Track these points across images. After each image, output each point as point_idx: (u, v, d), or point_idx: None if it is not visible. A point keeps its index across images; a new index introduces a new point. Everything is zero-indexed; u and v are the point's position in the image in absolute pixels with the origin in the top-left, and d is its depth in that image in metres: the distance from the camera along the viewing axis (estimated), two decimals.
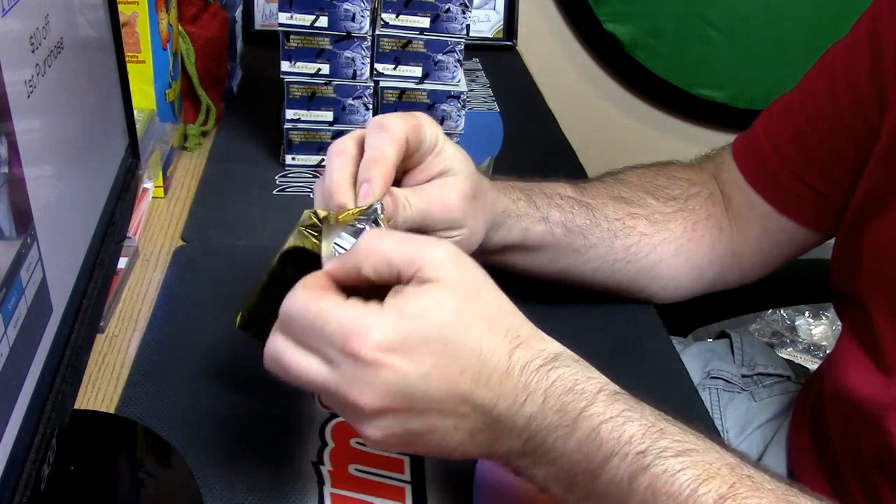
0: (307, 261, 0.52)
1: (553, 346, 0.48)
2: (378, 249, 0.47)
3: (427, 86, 0.92)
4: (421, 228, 0.57)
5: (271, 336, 0.48)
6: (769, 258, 0.78)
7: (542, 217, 0.69)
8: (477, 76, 1.28)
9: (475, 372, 0.46)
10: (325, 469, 0.59)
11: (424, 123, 0.57)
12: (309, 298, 0.47)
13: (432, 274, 0.46)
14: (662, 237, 0.75)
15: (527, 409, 0.46)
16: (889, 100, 0.66)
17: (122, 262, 0.76)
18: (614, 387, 0.48)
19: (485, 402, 0.46)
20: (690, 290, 0.78)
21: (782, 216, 0.74)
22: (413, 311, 0.45)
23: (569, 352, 0.49)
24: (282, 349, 0.47)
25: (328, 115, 0.93)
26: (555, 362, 0.47)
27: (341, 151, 0.56)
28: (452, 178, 0.59)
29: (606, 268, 0.74)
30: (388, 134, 0.55)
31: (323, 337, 0.45)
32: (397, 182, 0.58)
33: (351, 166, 0.55)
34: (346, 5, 0.87)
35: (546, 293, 0.77)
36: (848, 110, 0.69)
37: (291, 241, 0.52)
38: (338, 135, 0.93)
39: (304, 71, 0.90)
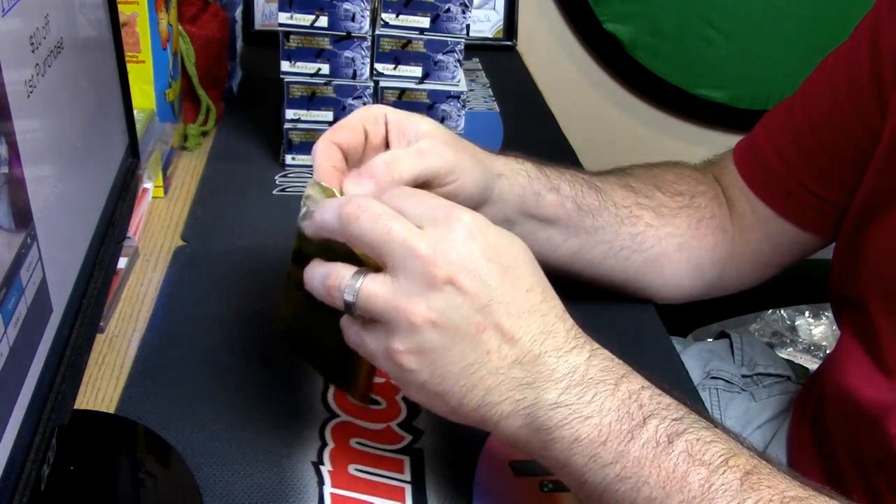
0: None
1: None
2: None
3: (427, 86, 0.92)
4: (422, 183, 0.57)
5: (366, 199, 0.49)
6: (769, 263, 0.78)
7: (553, 187, 0.69)
8: (477, 76, 1.28)
9: (538, 299, 0.49)
10: (325, 469, 0.59)
11: (381, 112, 0.58)
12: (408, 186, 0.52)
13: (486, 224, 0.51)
14: (667, 231, 0.74)
15: (572, 358, 0.48)
16: (889, 104, 0.66)
17: (122, 262, 0.76)
18: None
19: (538, 330, 0.48)
20: (690, 289, 0.78)
21: (783, 220, 0.74)
22: (500, 228, 0.50)
23: None
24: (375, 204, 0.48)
25: (328, 115, 0.93)
26: (593, 342, 0.50)
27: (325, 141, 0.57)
28: (428, 134, 0.58)
29: (613, 255, 0.73)
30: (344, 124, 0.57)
31: (426, 204, 0.49)
32: None
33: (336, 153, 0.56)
34: (346, 5, 0.87)
35: None
36: (849, 114, 0.69)
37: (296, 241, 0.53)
38: None
39: (304, 71, 0.90)
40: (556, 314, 0.49)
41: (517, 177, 0.66)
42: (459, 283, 0.46)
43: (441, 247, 0.46)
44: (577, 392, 0.47)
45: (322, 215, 0.50)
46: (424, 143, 0.57)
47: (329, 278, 0.49)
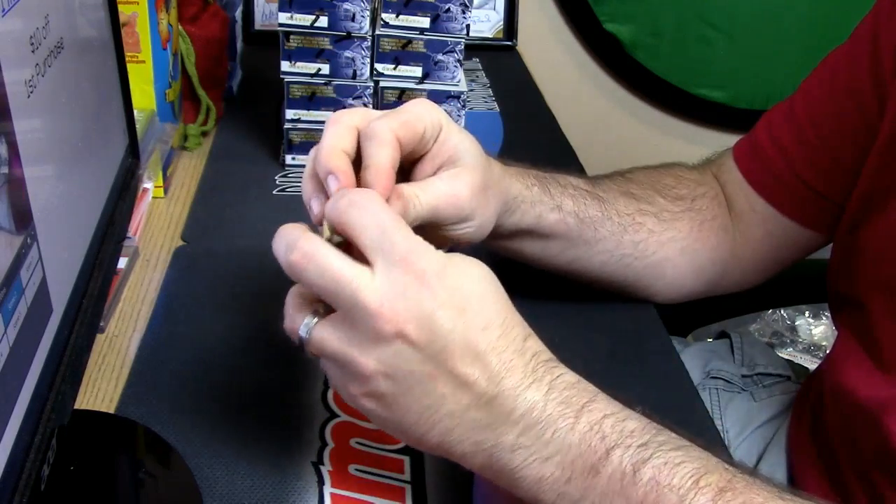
0: None
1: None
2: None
3: (427, 86, 0.92)
4: (430, 223, 0.57)
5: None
6: (770, 261, 0.78)
7: (556, 205, 0.68)
8: (477, 76, 1.28)
9: (495, 336, 0.47)
10: (325, 469, 0.59)
11: (421, 113, 0.55)
12: (382, 211, 0.47)
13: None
14: (670, 235, 0.74)
15: (530, 394, 0.46)
16: (888, 101, 0.66)
17: (122, 262, 0.76)
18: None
19: (493, 370, 0.46)
20: (692, 290, 0.78)
21: (784, 217, 0.75)
22: (458, 260, 0.48)
23: None
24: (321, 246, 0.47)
25: (328, 115, 0.92)
26: (558, 365, 0.49)
27: (337, 120, 0.54)
28: (462, 169, 0.58)
29: (614, 262, 0.73)
30: (377, 140, 0.53)
31: (382, 245, 0.46)
32: (407, 174, 0.58)
33: (348, 136, 0.54)
34: (346, 5, 0.87)
35: (547, 293, 0.77)
36: (850, 112, 0.69)
37: None
38: None
39: (304, 71, 0.90)
40: (514, 348, 0.47)
41: (521, 204, 0.66)
42: (409, 336, 0.45)
43: (390, 299, 0.45)
44: (535, 432, 0.46)
45: (275, 250, 0.48)
46: (445, 185, 0.57)
47: (286, 321, 0.49)
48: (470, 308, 0.46)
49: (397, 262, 0.45)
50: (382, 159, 0.52)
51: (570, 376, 0.48)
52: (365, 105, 0.92)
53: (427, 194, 0.55)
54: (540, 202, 0.67)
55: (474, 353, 0.46)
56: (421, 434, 0.48)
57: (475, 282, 0.47)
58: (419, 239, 0.47)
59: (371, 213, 0.47)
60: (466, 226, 0.59)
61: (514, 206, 0.65)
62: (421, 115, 0.55)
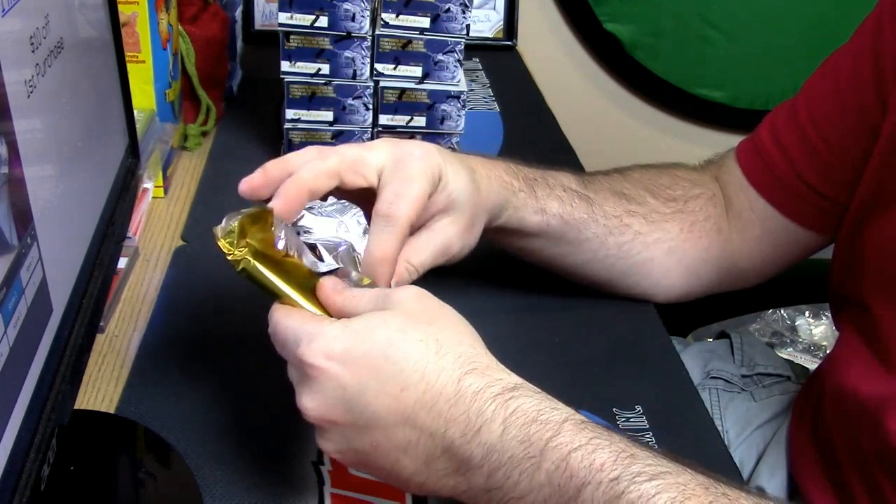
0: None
1: (513, 378, 0.47)
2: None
3: (427, 86, 0.92)
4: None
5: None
6: (770, 261, 0.78)
7: (540, 208, 0.69)
8: (477, 76, 1.28)
9: (418, 393, 0.46)
10: (325, 469, 0.59)
11: (428, 173, 0.57)
12: (283, 312, 0.50)
13: (392, 305, 0.49)
14: (656, 237, 0.75)
15: (483, 438, 0.45)
16: (889, 101, 0.66)
17: (122, 262, 0.76)
18: (580, 416, 0.46)
19: (432, 427, 0.45)
20: (686, 289, 0.78)
21: (784, 218, 0.74)
22: (359, 326, 0.47)
23: (529, 384, 0.48)
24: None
25: (328, 115, 0.92)
26: (514, 392, 0.46)
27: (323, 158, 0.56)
28: (454, 216, 0.60)
29: (597, 262, 0.74)
30: (391, 227, 0.55)
31: (286, 345, 0.49)
32: None
33: (326, 181, 0.56)
34: (346, 5, 0.87)
35: (547, 294, 0.77)
36: (852, 113, 0.69)
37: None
38: (338, 135, 0.93)
39: (304, 71, 0.90)
40: (446, 397, 0.45)
41: (505, 211, 0.67)
42: (338, 422, 0.47)
43: (307, 400, 0.48)
44: (502, 474, 0.45)
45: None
46: (438, 238, 0.60)
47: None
48: (381, 375, 0.46)
49: (298, 364, 0.48)
50: (390, 250, 0.55)
51: (529, 405, 0.45)
52: (365, 105, 0.92)
53: (419, 257, 0.58)
54: (524, 206, 0.68)
55: (403, 418, 0.46)
56: (401, 483, 0.49)
57: (383, 346, 0.46)
58: (311, 331, 0.48)
59: (279, 328, 0.50)
60: (455, 258, 0.62)
61: (497, 213, 0.66)
62: (427, 174, 0.57)
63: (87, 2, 0.57)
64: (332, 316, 0.51)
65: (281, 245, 0.51)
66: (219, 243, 0.50)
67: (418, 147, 0.58)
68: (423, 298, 0.50)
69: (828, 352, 1.18)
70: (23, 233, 0.42)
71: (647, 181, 0.77)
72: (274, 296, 0.51)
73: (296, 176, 0.55)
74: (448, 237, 0.60)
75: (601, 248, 0.73)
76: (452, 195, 0.60)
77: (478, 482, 0.46)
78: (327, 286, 0.52)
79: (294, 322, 0.49)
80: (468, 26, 0.89)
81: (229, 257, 0.50)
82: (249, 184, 0.56)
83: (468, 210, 0.61)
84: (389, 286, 0.55)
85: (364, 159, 0.57)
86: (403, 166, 0.57)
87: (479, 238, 0.64)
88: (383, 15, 0.88)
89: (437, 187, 0.58)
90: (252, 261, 0.50)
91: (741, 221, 0.77)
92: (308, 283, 0.52)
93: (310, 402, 0.48)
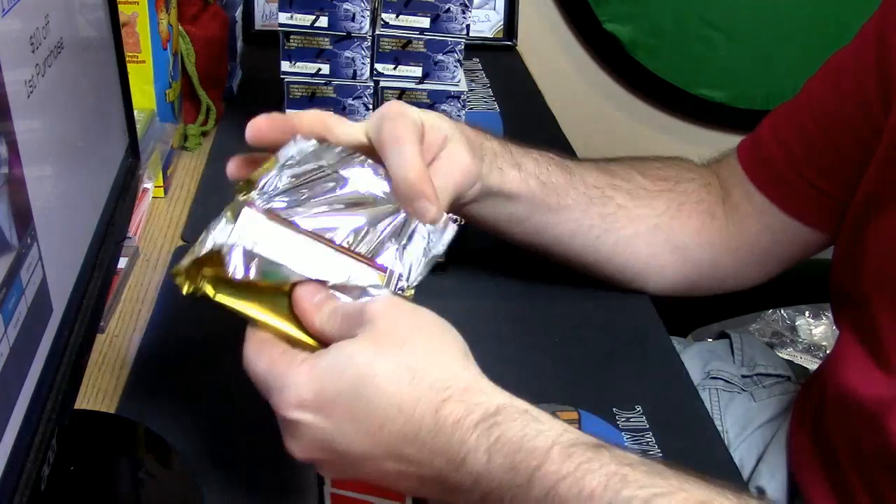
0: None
1: (494, 398, 0.46)
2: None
3: (427, 86, 0.92)
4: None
5: None
6: (769, 259, 0.78)
7: (516, 163, 0.69)
8: (477, 76, 1.28)
9: (398, 427, 0.45)
10: None
11: (413, 120, 0.58)
12: (253, 355, 0.49)
13: (362, 326, 0.47)
14: (641, 212, 0.74)
15: (469, 467, 0.44)
16: (892, 100, 0.66)
17: (122, 262, 0.76)
18: (570, 436, 0.44)
19: (418, 458, 0.45)
20: (680, 275, 0.78)
21: (784, 214, 0.74)
22: (326, 366, 0.46)
23: (516, 403, 0.46)
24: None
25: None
26: (495, 417, 0.45)
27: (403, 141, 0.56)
28: (451, 143, 0.61)
29: (582, 233, 0.73)
30: (404, 140, 0.55)
31: (259, 390, 0.49)
32: None
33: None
34: (346, 5, 0.87)
35: (547, 293, 0.77)
36: (855, 111, 0.69)
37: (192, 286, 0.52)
38: None
39: (304, 71, 0.90)
40: (427, 429, 0.45)
41: (485, 156, 0.67)
42: (325, 461, 0.48)
43: (291, 445, 0.48)
44: (494, 497, 0.44)
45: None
46: (456, 163, 0.61)
47: None
48: (357, 415, 0.45)
49: (274, 412, 0.48)
50: (417, 161, 0.54)
51: (512, 431, 0.44)
52: (365, 105, 0.92)
53: (444, 180, 0.59)
54: (501, 156, 0.68)
55: (388, 453, 0.46)
56: (403, 492, 0.50)
57: (354, 385, 0.45)
58: (280, 378, 0.47)
59: (250, 372, 0.49)
60: (474, 181, 0.64)
61: (479, 157, 0.66)
62: (410, 120, 0.57)
63: (87, 2, 0.57)
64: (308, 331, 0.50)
65: (232, 271, 0.49)
66: (176, 282, 0.50)
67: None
68: (395, 311, 0.48)
69: (828, 352, 1.18)
70: (23, 233, 0.42)
71: (637, 164, 0.77)
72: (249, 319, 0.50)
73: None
74: (460, 156, 0.61)
75: (584, 216, 0.72)
76: (443, 131, 0.61)
77: (474, 500, 0.46)
78: (304, 301, 0.49)
79: (262, 366, 0.48)
80: (468, 26, 0.89)
81: (184, 291, 0.50)
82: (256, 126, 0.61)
83: (462, 137, 0.62)
84: (437, 203, 0.52)
85: (348, 120, 0.60)
86: (387, 118, 0.57)
87: (482, 175, 0.65)
88: (383, 15, 0.88)
89: (423, 130, 0.59)
90: (212, 288, 0.50)
91: (738, 213, 0.76)
92: (281, 300, 0.50)
93: (294, 447, 0.48)
